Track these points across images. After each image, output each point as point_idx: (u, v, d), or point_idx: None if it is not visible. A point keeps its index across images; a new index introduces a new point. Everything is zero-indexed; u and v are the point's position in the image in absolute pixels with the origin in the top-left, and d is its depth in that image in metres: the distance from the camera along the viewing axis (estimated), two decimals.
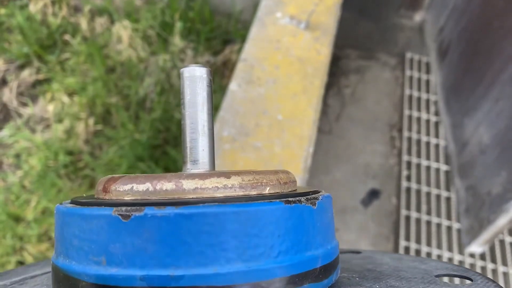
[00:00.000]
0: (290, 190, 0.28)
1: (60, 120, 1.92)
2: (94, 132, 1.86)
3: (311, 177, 1.80)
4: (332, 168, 1.84)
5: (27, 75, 2.06)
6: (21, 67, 2.09)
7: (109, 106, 1.89)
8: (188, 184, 0.25)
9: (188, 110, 0.29)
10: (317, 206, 0.26)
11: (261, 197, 0.25)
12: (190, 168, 0.30)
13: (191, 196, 0.25)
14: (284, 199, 0.25)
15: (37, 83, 2.06)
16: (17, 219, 1.63)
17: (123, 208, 0.24)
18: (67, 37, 2.11)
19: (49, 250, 1.57)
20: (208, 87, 0.30)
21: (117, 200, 0.26)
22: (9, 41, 2.12)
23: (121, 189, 0.26)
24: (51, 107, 1.94)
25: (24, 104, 2.00)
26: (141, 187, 0.25)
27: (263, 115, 0.79)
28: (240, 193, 0.25)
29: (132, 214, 0.23)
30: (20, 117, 1.97)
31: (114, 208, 0.24)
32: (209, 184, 0.25)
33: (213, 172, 0.26)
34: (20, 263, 1.55)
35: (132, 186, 0.25)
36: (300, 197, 0.26)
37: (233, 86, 0.79)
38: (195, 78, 0.29)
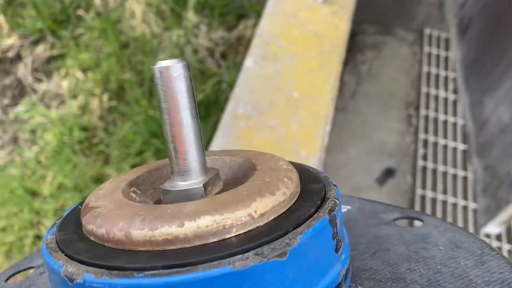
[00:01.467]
0: (273, 218, 0.22)
1: (74, 96, 1.92)
2: (108, 108, 1.86)
3: (325, 154, 1.78)
4: (347, 146, 1.82)
5: (41, 50, 2.06)
6: (35, 42, 2.08)
7: (123, 82, 1.88)
8: (138, 235, 0.21)
9: (166, 115, 0.24)
10: (288, 257, 0.20)
11: (206, 260, 0.20)
12: (176, 180, 0.25)
13: (141, 250, 0.21)
14: (237, 257, 0.20)
15: (51, 59, 2.06)
16: (34, 194, 1.65)
17: (69, 270, 0.21)
18: (80, 12, 2.09)
19: None
20: (187, 84, 0.24)
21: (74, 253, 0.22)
22: (23, 16, 2.11)
23: (86, 228, 0.23)
24: (65, 83, 1.94)
25: (39, 80, 2.00)
26: (100, 231, 0.22)
27: (279, 92, 0.77)
28: (197, 243, 0.21)
29: (74, 279, 0.21)
30: (35, 93, 1.98)
31: (63, 268, 0.21)
32: (159, 236, 0.21)
33: (172, 208, 0.22)
34: (38, 237, 1.58)
35: (92, 228, 0.23)
36: (264, 249, 0.20)
37: (248, 62, 0.77)
38: (170, 77, 0.23)
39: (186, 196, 0.24)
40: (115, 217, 0.22)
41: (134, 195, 0.27)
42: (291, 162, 0.29)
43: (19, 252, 1.54)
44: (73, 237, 0.24)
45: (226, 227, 0.21)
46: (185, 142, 0.24)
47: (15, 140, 1.88)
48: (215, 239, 0.21)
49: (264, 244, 0.20)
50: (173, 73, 0.23)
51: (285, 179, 0.24)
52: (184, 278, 0.19)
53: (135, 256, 0.21)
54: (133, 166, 1.70)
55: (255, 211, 0.21)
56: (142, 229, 0.21)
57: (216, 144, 0.72)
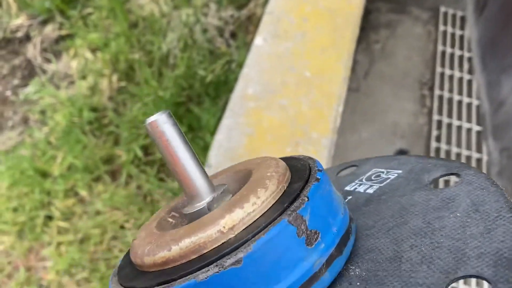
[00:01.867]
0: (242, 228, 0.26)
1: (83, 77, 1.91)
2: (118, 88, 1.85)
3: (337, 136, 1.76)
4: (359, 127, 1.79)
5: (50, 30, 2.04)
6: (44, 22, 2.07)
7: (132, 62, 1.86)
8: (146, 261, 0.27)
9: (166, 157, 0.29)
10: (243, 263, 0.23)
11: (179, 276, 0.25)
12: (190, 204, 0.30)
13: (152, 271, 0.27)
14: (202, 270, 0.24)
15: (60, 39, 2.05)
16: (44, 174, 1.65)
17: None
18: None
19: (75, 205, 1.60)
20: (174, 128, 0.28)
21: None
22: None
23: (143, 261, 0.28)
24: (74, 63, 1.93)
25: (48, 60, 1.99)
26: (132, 258, 0.29)
27: (290, 72, 0.75)
28: (183, 260, 0.26)
29: None
30: (44, 73, 1.97)
31: None
32: (158, 259, 0.27)
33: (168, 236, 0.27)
34: (49, 217, 1.59)
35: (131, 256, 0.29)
36: (224, 259, 0.24)
37: (258, 40, 0.75)
38: (159, 129, 0.28)
39: (197, 216, 0.29)
40: (140, 246, 0.28)
41: (171, 220, 0.32)
42: (289, 158, 0.33)
43: (31, 232, 1.55)
44: (127, 263, 0.30)
45: (201, 245, 0.25)
46: (186, 174, 0.29)
47: (25, 121, 1.88)
48: (195, 256, 0.25)
49: (226, 255, 0.24)
50: (160, 123, 0.28)
51: (258, 189, 0.27)
52: None
53: (147, 276, 0.27)
54: (143, 147, 1.69)
55: (224, 227, 0.25)
56: (148, 255, 0.27)
57: (225, 125, 0.70)
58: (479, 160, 1.66)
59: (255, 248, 0.23)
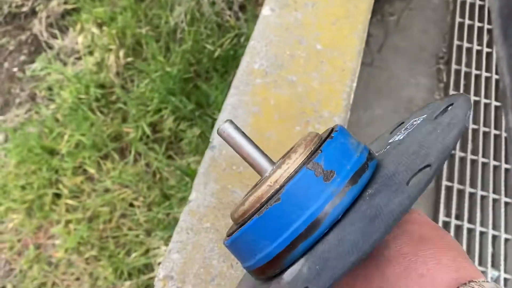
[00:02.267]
0: (285, 178, 0.36)
1: (90, 52, 1.87)
2: (125, 64, 1.81)
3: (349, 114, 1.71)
4: (372, 103, 1.74)
5: (56, 4, 1.99)
6: None
7: (139, 37, 1.82)
8: (234, 215, 0.38)
9: (237, 151, 0.39)
10: (282, 200, 0.35)
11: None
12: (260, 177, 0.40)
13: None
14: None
15: (66, 14, 2.00)
16: (52, 152, 1.63)
17: None
18: None
19: (83, 183, 1.58)
20: (237, 130, 0.39)
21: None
22: None
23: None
24: (81, 39, 1.89)
25: (54, 36, 1.95)
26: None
27: (300, 45, 0.70)
28: (252, 210, 0.37)
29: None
30: (51, 49, 1.93)
31: None
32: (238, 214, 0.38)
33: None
34: (57, 195, 1.58)
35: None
36: (271, 200, 0.36)
37: (265, 10, 0.70)
38: (225, 133, 0.39)
39: None
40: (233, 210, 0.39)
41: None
42: (328, 129, 0.41)
43: (40, 210, 1.54)
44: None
45: (259, 197, 0.36)
46: (252, 160, 0.39)
47: (32, 98, 1.86)
48: (258, 205, 0.36)
49: (272, 197, 0.35)
50: (226, 129, 0.39)
51: (291, 154, 0.37)
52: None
53: (237, 226, 0.38)
54: (151, 124, 1.66)
55: (271, 182, 0.36)
56: (234, 212, 0.38)
57: (229, 103, 0.66)
58: (497, 137, 1.60)
59: (287, 188, 0.34)
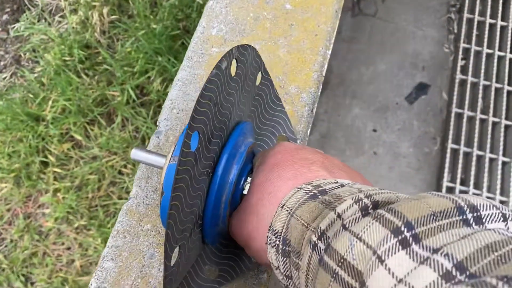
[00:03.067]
0: None
1: (75, 10, 1.76)
2: (110, 22, 1.69)
3: (349, 70, 1.59)
4: (375, 58, 1.61)
5: None
6: None
7: None
8: None
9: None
10: None
11: None
12: None
13: None
14: None
15: None
16: (37, 119, 1.56)
17: None
18: None
19: (70, 150, 1.52)
20: (145, 151, 0.45)
21: None
22: None
23: None
24: None
25: None
26: None
27: (265, 4, 0.59)
28: None
29: None
30: (34, 7, 1.82)
31: None
32: None
33: None
34: (44, 163, 1.52)
35: None
36: None
37: None
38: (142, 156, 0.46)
39: None
40: None
41: None
42: None
43: (28, 179, 1.50)
44: None
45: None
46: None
47: (17, 60, 1.77)
48: None
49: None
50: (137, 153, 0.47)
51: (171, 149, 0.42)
52: None
53: None
54: (138, 87, 1.57)
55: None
56: None
57: (180, 79, 0.56)
58: (510, 93, 1.47)
59: (164, 180, 0.39)
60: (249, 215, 0.38)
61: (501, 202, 1.32)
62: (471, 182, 1.34)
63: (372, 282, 0.24)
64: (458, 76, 1.51)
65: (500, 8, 1.61)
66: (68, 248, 1.44)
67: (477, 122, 1.42)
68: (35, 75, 1.66)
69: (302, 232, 0.31)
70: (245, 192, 0.41)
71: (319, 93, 0.54)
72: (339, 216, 0.29)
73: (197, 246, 0.40)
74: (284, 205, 0.34)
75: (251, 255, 0.39)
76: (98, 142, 1.52)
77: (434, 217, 0.25)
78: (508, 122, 1.41)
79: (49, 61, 1.64)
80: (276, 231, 0.34)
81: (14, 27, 1.81)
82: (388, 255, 0.24)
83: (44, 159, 1.52)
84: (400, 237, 0.25)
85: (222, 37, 0.58)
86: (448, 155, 1.39)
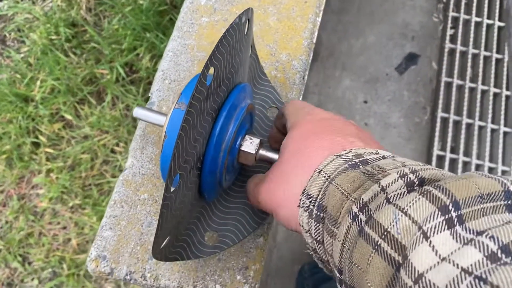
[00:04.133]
0: None
1: None
2: None
3: (339, 41, 1.58)
4: (364, 29, 1.61)
5: None
6: None
7: None
8: None
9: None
10: None
11: None
12: None
13: None
14: None
15: None
16: (26, 99, 1.55)
17: None
18: None
19: (61, 130, 1.51)
20: (147, 110, 0.47)
21: None
22: None
23: None
24: None
25: None
26: None
27: None
28: None
29: None
30: None
31: None
32: None
33: None
34: (36, 144, 1.52)
35: None
36: None
37: None
38: (144, 114, 0.47)
39: None
40: None
41: None
42: None
43: (20, 161, 1.49)
44: None
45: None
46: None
47: (2, 41, 1.74)
48: None
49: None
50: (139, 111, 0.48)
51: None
52: None
53: None
54: (126, 64, 1.56)
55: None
56: None
57: (171, 49, 0.56)
58: (499, 61, 1.48)
59: (168, 124, 0.41)
60: (281, 183, 0.38)
61: (490, 168, 1.34)
62: (461, 150, 1.36)
63: (414, 256, 0.24)
64: (448, 45, 1.51)
65: None
66: (64, 228, 1.45)
67: (466, 91, 1.44)
68: (22, 55, 1.64)
69: (341, 201, 0.31)
70: (243, 148, 0.43)
71: (310, 61, 0.54)
72: (383, 189, 0.29)
73: (192, 194, 0.41)
74: (321, 170, 0.34)
75: (278, 221, 0.39)
76: (89, 121, 1.51)
77: (481, 199, 0.25)
78: (497, 90, 1.42)
79: (35, 41, 1.61)
80: (311, 195, 0.34)
81: None
82: (433, 233, 0.24)
83: (36, 140, 1.51)
84: (447, 216, 0.25)
85: (211, 6, 0.57)
86: (438, 124, 1.40)
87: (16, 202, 1.47)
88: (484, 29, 1.52)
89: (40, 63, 1.58)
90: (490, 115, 1.39)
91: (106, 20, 1.63)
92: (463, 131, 1.38)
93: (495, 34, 1.50)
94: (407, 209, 0.26)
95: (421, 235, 0.24)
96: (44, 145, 1.50)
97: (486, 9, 1.55)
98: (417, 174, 0.29)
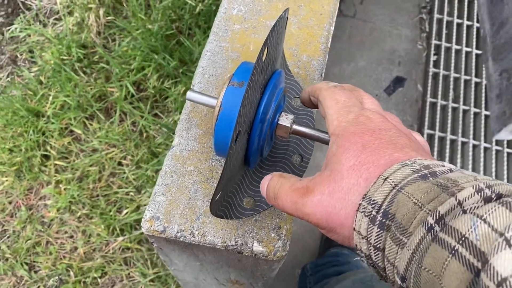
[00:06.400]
0: None
1: (70, 13, 1.83)
2: (106, 23, 1.78)
3: (332, 65, 1.71)
4: (355, 55, 1.75)
5: None
6: None
7: None
8: None
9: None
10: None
11: None
12: None
13: None
14: None
15: None
16: (37, 114, 1.63)
17: None
18: None
19: (71, 144, 1.59)
20: (198, 93, 0.54)
21: None
22: None
23: None
24: None
25: None
26: None
27: None
28: None
29: None
30: (29, 10, 1.89)
31: None
32: None
33: None
34: (45, 156, 1.59)
35: None
36: None
37: None
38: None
39: None
40: None
41: None
42: None
43: (29, 172, 1.56)
44: None
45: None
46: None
47: (14, 61, 1.83)
48: None
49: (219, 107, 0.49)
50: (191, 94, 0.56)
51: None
52: None
53: None
54: (135, 83, 1.66)
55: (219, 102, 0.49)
56: None
57: (208, 50, 0.66)
58: (478, 84, 1.62)
59: (223, 98, 0.49)
60: (342, 201, 0.36)
61: None
62: (446, 161, 1.48)
63: (496, 261, 0.24)
64: (431, 69, 1.65)
65: (466, 9, 1.77)
66: (71, 236, 1.51)
67: (450, 110, 1.57)
68: (33, 74, 1.73)
69: (413, 211, 0.31)
70: (280, 122, 0.50)
71: (326, 61, 0.65)
72: (459, 203, 0.29)
73: (241, 157, 0.49)
74: (387, 177, 0.33)
75: (334, 239, 0.38)
76: (97, 136, 1.59)
77: None
78: (477, 110, 1.56)
79: (47, 60, 1.71)
80: (375, 201, 0.33)
81: (9, 29, 1.87)
82: None
83: (45, 153, 1.58)
84: None
85: (242, 16, 0.68)
86: (425, 139, 1.52)
87: (24, 213, 1.52)
88: (463, 55, 1.67)
89: (51, 81, 1.67)
90: (471, 132, 1.52)
91: (115, 42, 1.74)
92: (447, 146, 1.50)
93: (473, 60, 1.65)
94: (486, 217, 0.26)
95: (504, 241, 0.24)
96: (54, 158, 1.57)
97: (464, 38, 1.70)
98: (493, 189, 0.29)
